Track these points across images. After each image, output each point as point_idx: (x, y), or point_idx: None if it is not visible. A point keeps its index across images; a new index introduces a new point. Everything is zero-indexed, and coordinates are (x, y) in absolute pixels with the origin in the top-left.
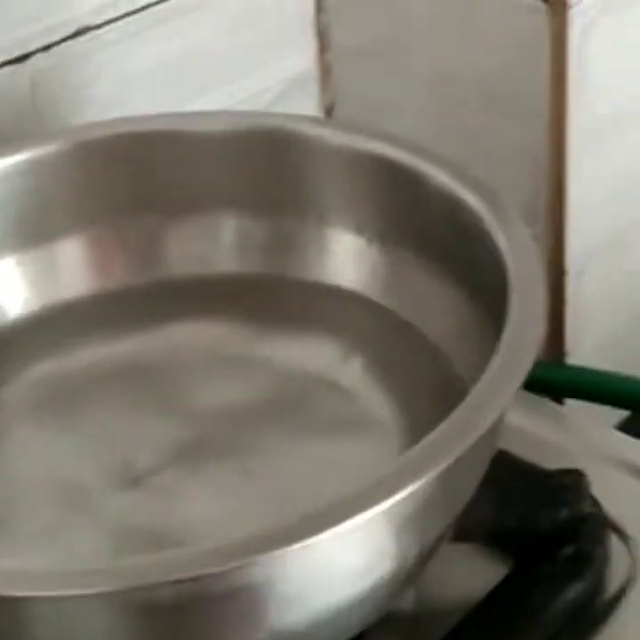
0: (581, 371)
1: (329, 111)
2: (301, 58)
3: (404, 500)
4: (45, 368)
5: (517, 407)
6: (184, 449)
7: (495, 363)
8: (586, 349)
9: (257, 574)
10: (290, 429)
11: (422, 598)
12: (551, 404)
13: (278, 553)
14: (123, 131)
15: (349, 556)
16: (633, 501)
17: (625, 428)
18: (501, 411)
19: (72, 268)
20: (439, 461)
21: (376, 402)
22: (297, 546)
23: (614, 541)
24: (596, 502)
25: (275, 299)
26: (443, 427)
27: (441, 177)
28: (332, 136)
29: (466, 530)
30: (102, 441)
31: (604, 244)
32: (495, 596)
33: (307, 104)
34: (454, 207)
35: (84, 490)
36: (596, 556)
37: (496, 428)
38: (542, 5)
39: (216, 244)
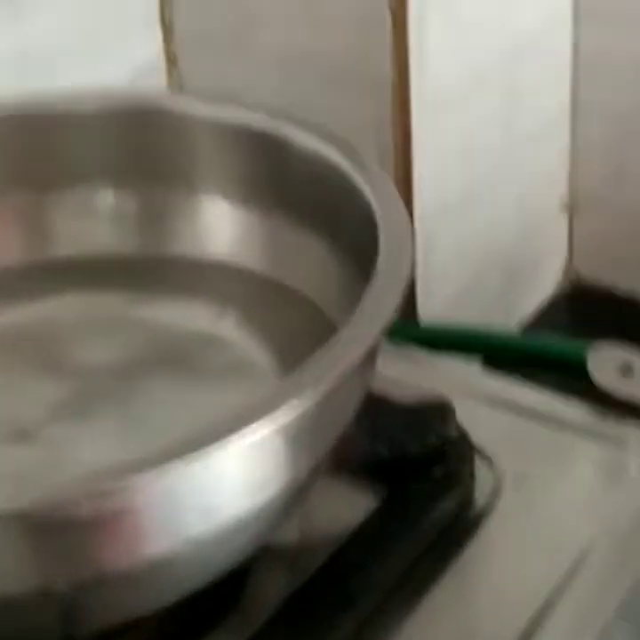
0: (434, 325)
1: None
2: (147, 47)
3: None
4: None
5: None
6: (69, 404)
7: (367, 299)
8: (436, 306)
9: (168, 483)
10: (169, 380)
11: (306, 529)
12: (416, 351)
13: (184, 460)
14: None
15: (249, 468)
16: (495, 429)
17: None
18: (374, 340)
19: None
20: (318, 383)
21: (252, 351)
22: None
23: (479, 464)
24: (460, 428)
25: (148, 269)
26: (315, 356)
27: (304, 138)
28: (195, 108)
29: (343, 461)
30: None
31: (450, 207)
32: (375, 517)
33: None
34: (319, 166)
35: None
36: (462, 475)
37: (369, 355)
38: None
39: (91, 219)
